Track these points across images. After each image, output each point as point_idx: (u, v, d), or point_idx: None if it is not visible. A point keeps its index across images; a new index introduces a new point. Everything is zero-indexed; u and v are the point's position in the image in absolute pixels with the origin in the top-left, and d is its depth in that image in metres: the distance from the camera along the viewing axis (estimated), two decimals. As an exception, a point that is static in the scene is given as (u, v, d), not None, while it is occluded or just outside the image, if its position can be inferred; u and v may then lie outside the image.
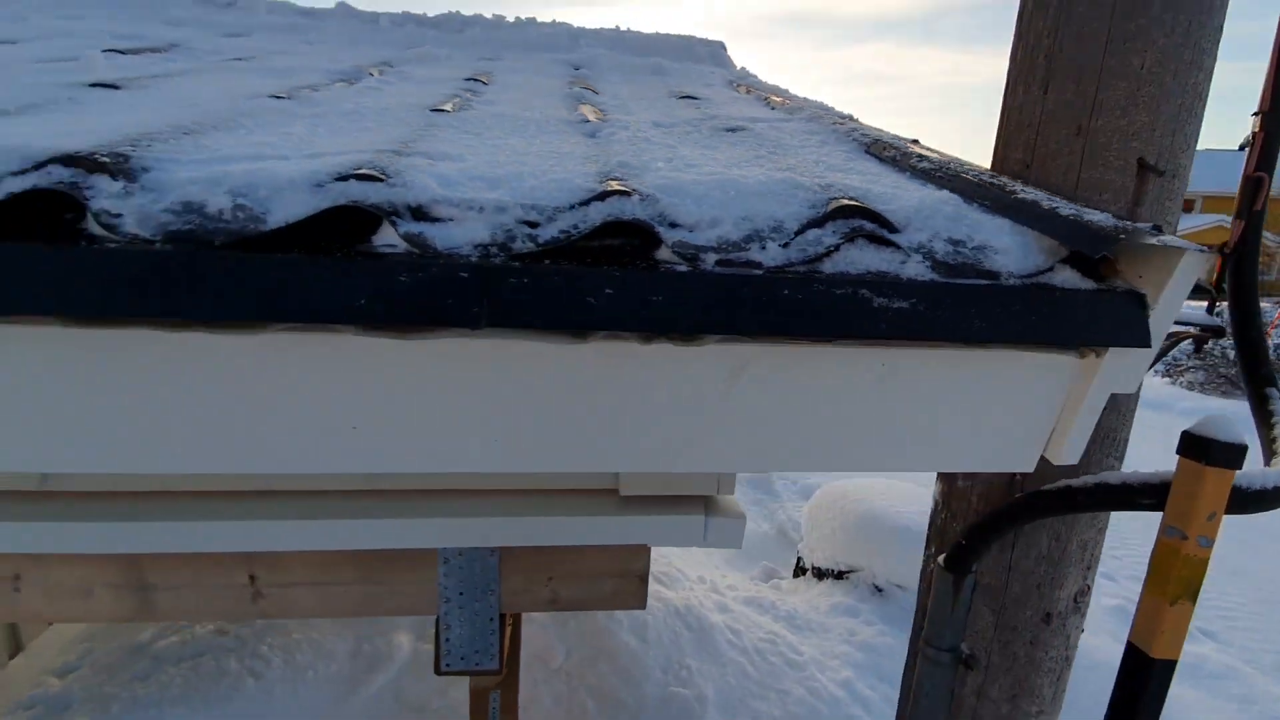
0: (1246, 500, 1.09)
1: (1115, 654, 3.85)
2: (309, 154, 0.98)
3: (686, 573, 4.42)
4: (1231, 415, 1.06)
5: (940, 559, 1.50)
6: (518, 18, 3.42)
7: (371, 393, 0.88)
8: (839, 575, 4.43)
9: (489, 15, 3.44)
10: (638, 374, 0.90)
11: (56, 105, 1.18)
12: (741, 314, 0.83)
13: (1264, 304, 1.60)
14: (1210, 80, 1.37)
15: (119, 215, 0.77)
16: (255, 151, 0.97)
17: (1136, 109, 1.27)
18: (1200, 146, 1.44)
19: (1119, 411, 1.39)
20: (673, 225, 0.89)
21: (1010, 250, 0.94)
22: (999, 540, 1.42)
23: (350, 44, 2.76)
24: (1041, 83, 1.33)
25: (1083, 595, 1.50)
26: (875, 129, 1.56)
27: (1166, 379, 11.23)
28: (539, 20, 3.45)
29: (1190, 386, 10.92)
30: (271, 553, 1.60)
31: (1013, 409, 1.00)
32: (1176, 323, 1.00)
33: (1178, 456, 1.11)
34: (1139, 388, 1.03)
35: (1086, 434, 1.02)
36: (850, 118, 1.76)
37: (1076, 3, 1.30)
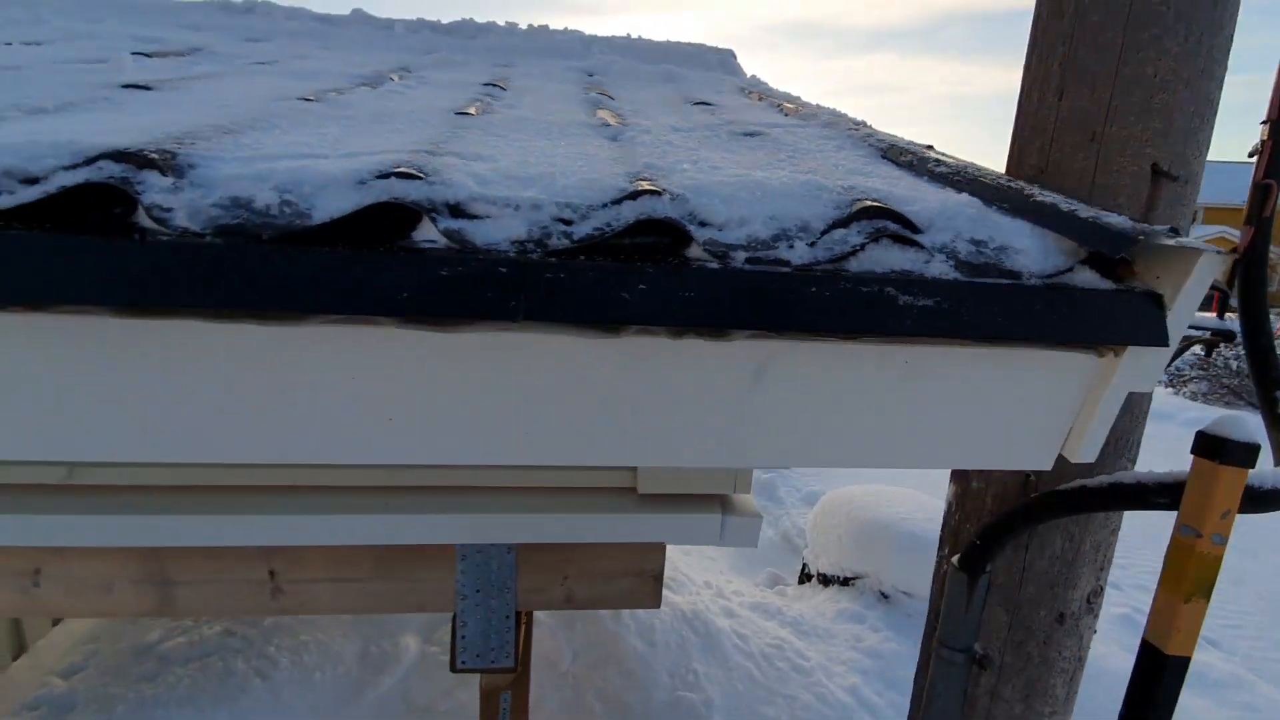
0: (1259, 499, 1.11)
1: (1122, 662, 3.86)
2: (346, 153, 1.01)
3: (693, 578, 4.43)
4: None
5: (954, 559, 1.51)
6: (530, 25, 3.46)
7: (408, 385, 0.90)
8: (845, 582, 4.43)
9: (502, 23, 3.48)
10: (667, 369, 0.92)
11: (94, 105, 1.21)
12: (770, 310, 0.85)
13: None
14: (1221, 89, 1.39)
15: (170, 209, 0.80)
16: (294, 150, 1.00)
17: (1150, 116, 1.30)
18: (1203, 157, 1.46)
19: (1131, 414, 1.41)
20: (702, 224, 0.91)
21: (1031, 251, 0.96)
22: (1013, 541, 1.43)
23: (367, 49, 2.80)
24: (1056, 90, 1.35)
25: (1096, 596, 1.51)
26: (890, 135, 1.59)
27: (1170, 389, 11.24)
28: (551, 28, 3.49)
29: (1193, 397, 10.92)
30: (291, 548, 1.62)
31: (1032, 407, 1.02)
32: (1189, 328, 1.03)
33: (1192, 456, 1.13)
34: (1154, 388, 1.05)
35: (1104, 432, 1.04)
36: (864, 124, 1.79)
37: (1091, 12, 1.32)
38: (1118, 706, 1.25)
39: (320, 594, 1.66)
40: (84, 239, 0.76)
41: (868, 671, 3.62)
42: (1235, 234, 0.94)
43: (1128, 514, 1.50)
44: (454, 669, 1.76)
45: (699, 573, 4.62)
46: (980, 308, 0.89)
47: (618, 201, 0.91)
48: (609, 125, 1.54)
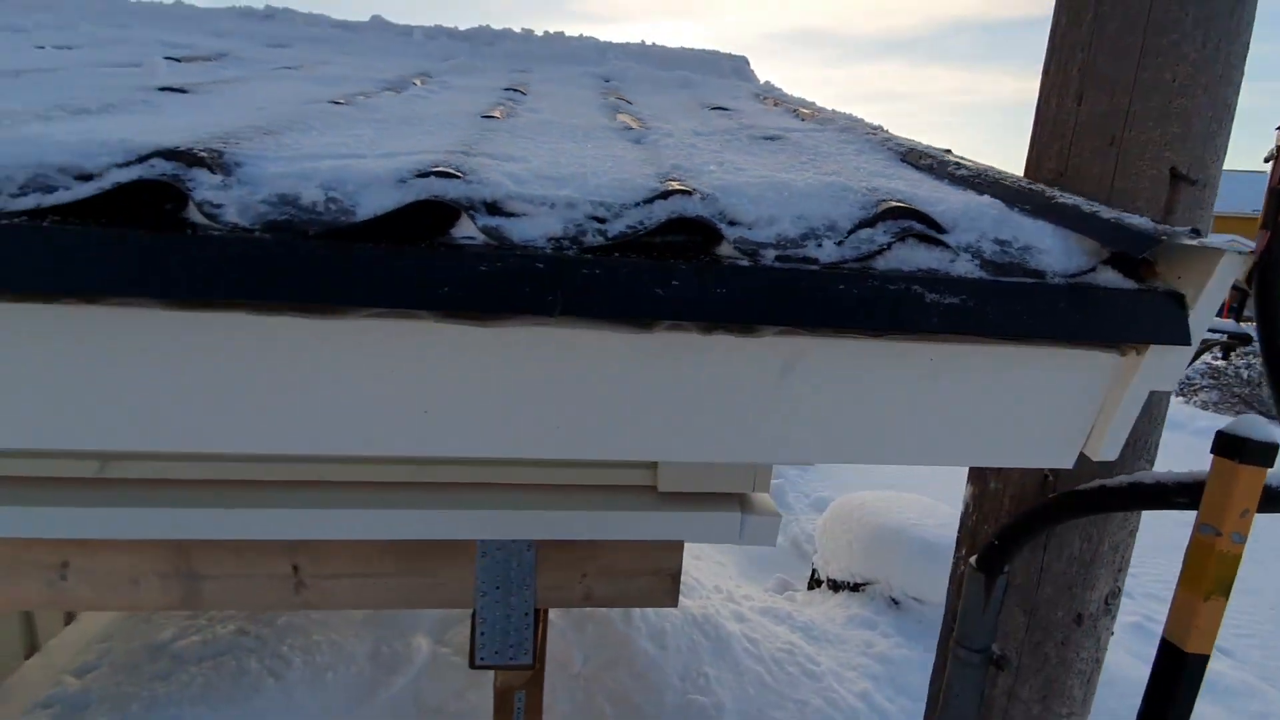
0: (1277, 498, 1.12)
1: (1134, 669, 3.85)
2: (383, 153, 1.04)
3: (703, 582, 4.43)
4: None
5: (972, 560, 1.52)
6: (546, 31, 3.51)
7: (445, 378, 0.92)
8: (855, 588, 4.42)
9: (518, 29, 3.53)
10: (698, 364, 0.94)
11: (133, 106, 1.24)
12: (800, 307, 0.87)
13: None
14: (1238, 95, 1.41)
15: (220, 205, 0.82)
16: (333, 150, 1.03)
17: (1169, 120, 1.32)
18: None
19: (1150, 416, 1.42)
20: (732, 223, 0.94)
21: (1054, 251, 0.98)
22: (1031, 541, 1.44)
23: (386, 55, 2.84)
24: (1075, 95, 1.37)
25: (1114, 597, 1.52)
26: (908, 139, 1.61)
27: (1181, 398, 11.18)
28: (566, 34, 3.53)
29: (1205, 406, 10.87)
30: (315, 544, 1.64)
31: (1054, 405, 1.04)
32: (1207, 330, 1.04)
33: (1212, 455, 1.14)
34: (1175, 386, 1.06)
35: (1126, 431, 1.05)
36: (881, 128, 1.81)
37: (1110, 19, 1.34)
38: (1130, 712, 1.26)
39: (342, 589, 1.68)
40: (139, 233, 0.79)
41: (879, 677, 3.62)
42: (1247, 243, 0.96)
43: (1140, 524, 1.51)
44: (473, 665, 1.78)
45: (709, 577, 4.62)
46: (1005, 306, 0.90)
47: (649, 201, 0.93)
48: (631, 129, 1.57)
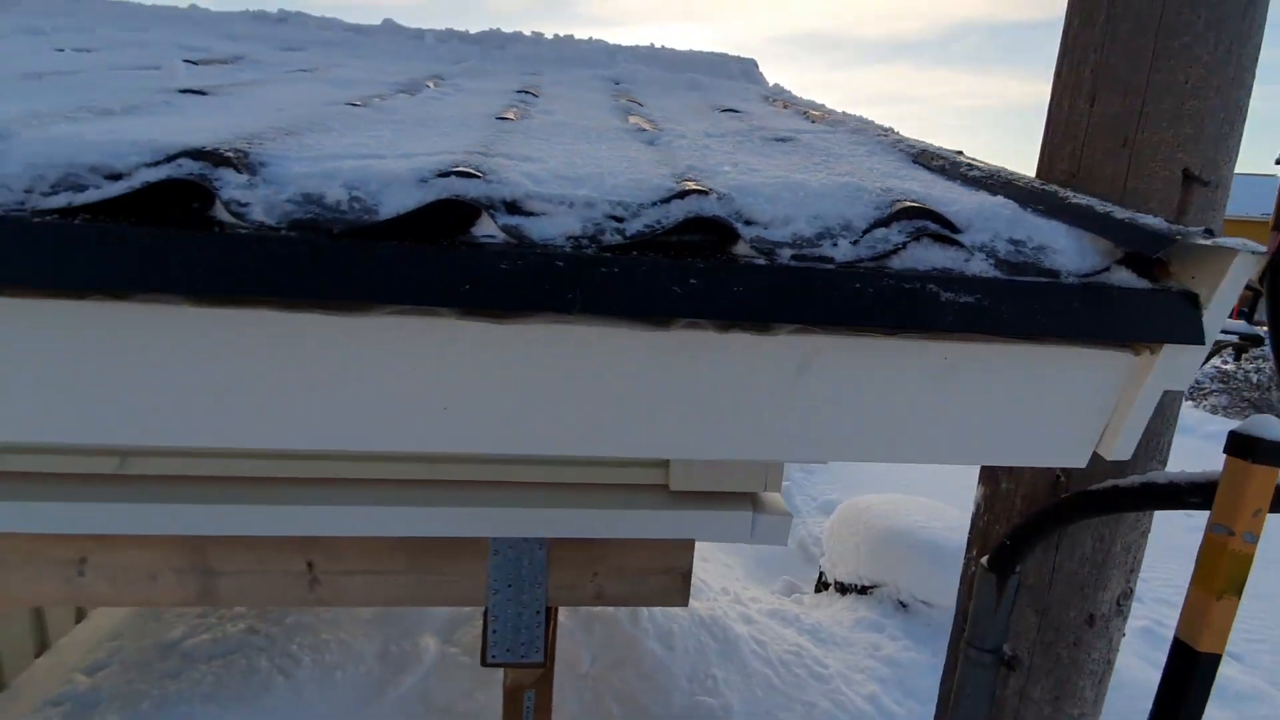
0: (1292, 498, 1.12)
1: (1143, 673, 3.83)
2: (402, 154, 1.05)
3: (710, 584, 4.43)
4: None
5: (984, 560, 1.53)
6: (556, 35, 3.53)
7: (465, 374, 0.94)
8: (862, 590, 4.42)
9: (528, 33, 3.55)
10: (714, 361, 0.95)
11: (156, 108, 1.26)
12: (816, 305, 0.88)
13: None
14: (1249, 97, 1.41)
15: (247, 204, 0.84)
16: (354, 151, 1.04)
17: (1182, 122, 1.32)
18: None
19: (1162, 417, 1.42)
20: (748, 222, 0.95)
21: (1068, 251, 0.99)
22: (1043, 541, 1.44)
23: (398, 58, 2.87)
24: (1088, 96, 1.38)
25: (1125, 598, 1.52)
26: (920, 141, 1.62)
27: (1190, 402, 11.11)
28: (576, 38, 3.55)
29: (1214, 410, 10.80)
30: (329, 541, 1.66)
31: (1068, 404, 1.04)
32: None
33: (1225, 455, 1.14)
34: (1189, 386, 1.06)
35: (1139, 430, 1.06)
36: (891, 130, 1.82)
37: (1122, 21, 1.35)
38: (1140, 716, 1.26)
39: (356, 586, 1.69)
40: (168, 231, 0.80)
41: (886, 680, 3.61)
42: (1259, 246, 0.96)
43: (1150, 528, 1.51)
44: (484, 663, 1.79)
45: (716, 579, 4.62)
46: (1020, 305, 0.91)
47: (666, 200, 0.94)
48: (645, 130, 1.58)
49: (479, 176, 0.92)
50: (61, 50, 1.94)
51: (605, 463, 1.60)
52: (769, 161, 1.30)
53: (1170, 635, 1.20)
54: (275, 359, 0.90)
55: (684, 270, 0.87)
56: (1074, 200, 1.09)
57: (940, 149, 1.48)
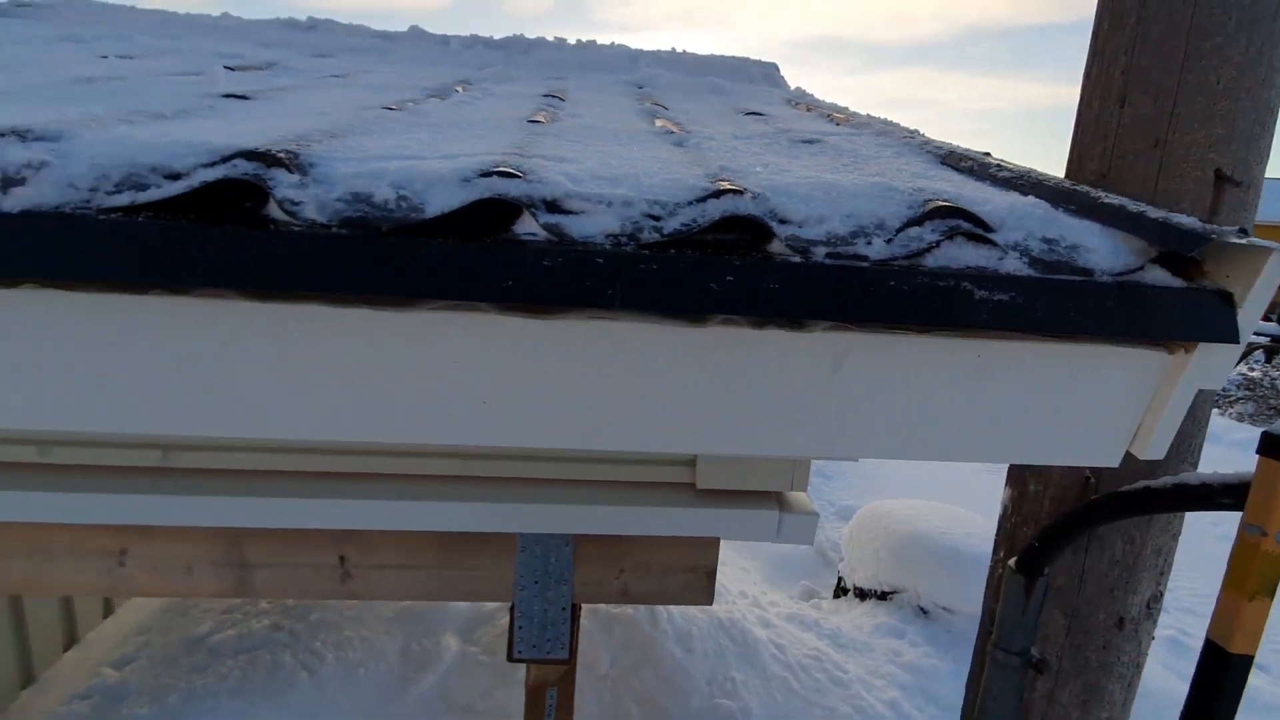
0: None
1: (1168, 682, 3.78)
2: (443, 155, 1.08)
3: (729, 587, 4.43)
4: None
5: (1011, 562, 1.52)
6: (579, 40, 3.57)
7: (504, 369, 0.96)
8: (882, 596, 4.39)
9: (550, 38, 3.59)
10: (750, 358, 0.96)
11: (204, 112, 1.30)
12: (851, 302, 0.89)
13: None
14: (1281, 97, 1.41)
15: (299, 203, 0.87)
16: (396, 152, 1.07)
17: (1213, 122, 1.32)
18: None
19: (1194, 418, 1.41)
20: (783, 221, 0.96)
21: (1101, 250, 0.99)
22: (1073, 543, 1.44)
23: (425, 63, 2.92)
24: (1118, 97, 1.38)
25: (1155, 601, 1.51)
26: (946, 143, 1.62)
27: (1216, 409, 10.92)
28: (598, 43, 3.59)
29: (1240, 418, 10.61)
30: (361, 535, 1.69)
31: (1101, 403, 1.05)
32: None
33: (1258, 456, 1.14)
34: (1223, 385, 1.06)
35: (1173, 429, 1.06)
36: (917, 132, 1.83)
37: (1153, 22, 1.35)
38: (1165, 725, 1.25)
39: (386, 580, 1.72)
40: (227, 229, 0.84)
41: (907, 686, 3.59)
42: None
43: (1179, 533, 1.50)
44: (510, 658, 1.81)
45: (734, 583, 4.62)
46: (1054, 303, 0.92)
47: (702, 200, 0.96)
48: (673, 133, 1.61)
49: (519, 176, 0.95)
50: (105, 57, 2.00)
51: (632, 460, 1.62)
52: (798, 163, 1.31)
53: (1196, 645, 1.20)
54: (324, 353, 0.92)
55: (721, 267, 0.89)
56: (1106, 200, 1.09)
57: (968, 150, 1.49)
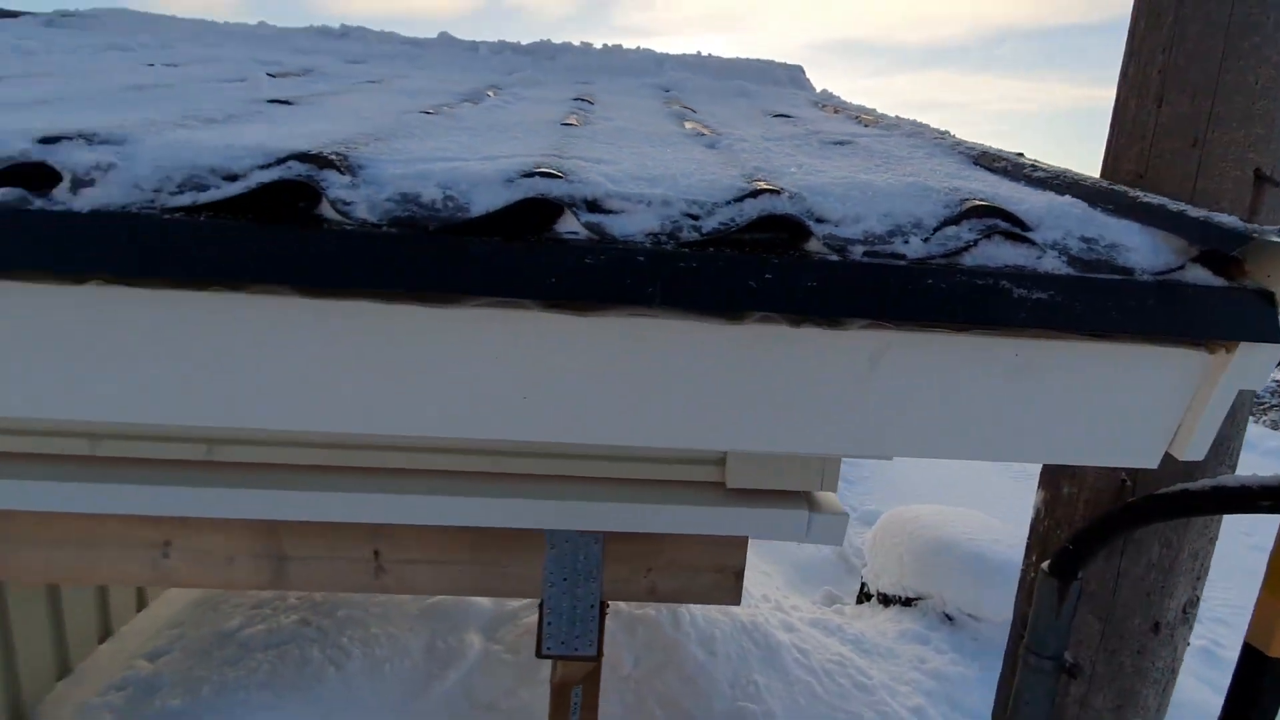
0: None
1: (1199, 694, 3.70)
2: (484, 157, 1.11)
3: (751, 591, 4.42)
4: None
5: (1045, 565, 1.51)
6: (605, 45, 3.60)
7: (544, 365, 0.98)
8: (906, 602, 4.35)
9: (576, 43, 3.63)
10: (787, 355, 0.98)
11: (252, 116, 1.34)
12: (889, 300, 0.90)
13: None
14: (1323, 96, 1.39)
15: (350, 203, 0.90)
16: (439, 154, 1.10)
17: (1252, 122, 1.31)
18: None
19: (1233, 420, 1.40)
20: (820, 220, 0.97)
21: (1141, 249, 0.99)
22: (1108, 546, 1.43)
23: (455, 69, 2.97)
24: (1155, 97, 1.37)
25: (1192, 606, 1.49)
26: (978, 143, 1.62)
27: (1249, 417, 10.67)
28: (624, 47, 3.62)
29: (1275, 425, 10.35)
30: (394, 530, 1.72)
31: (1140, 403, 1.04)
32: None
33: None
34: (1263, 385, 1.05)
35: (1213, 430, 1.05)
36: (948, 133, 1.82)
37: (1191, 22, 1.34)
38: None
39: (419, 574, 1.75)
40: (283, 227, 0.87)
41: (933, 693, 3.55)
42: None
43: (1215, 537, 1.48)
44: (539, 654, 1.83)
45: (756, 587, 4.60)
46: (1094, 302, 0.92)
47: (739, 199, 0.97)
48: (704, 135, 1.62)
49: (561, 177, 0.97)
50: (152, 65, 2.07)
51: (662, 459, 1.64)
52: (831, 163, 1.32)
53: (1229, 656, 1.19)
54: (372, 348, 0.95)
55: (760, 265, 0.90)
56: (1145, 199, 1.09)
57: (1001, 151, 1.49)
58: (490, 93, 2.22)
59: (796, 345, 0.97)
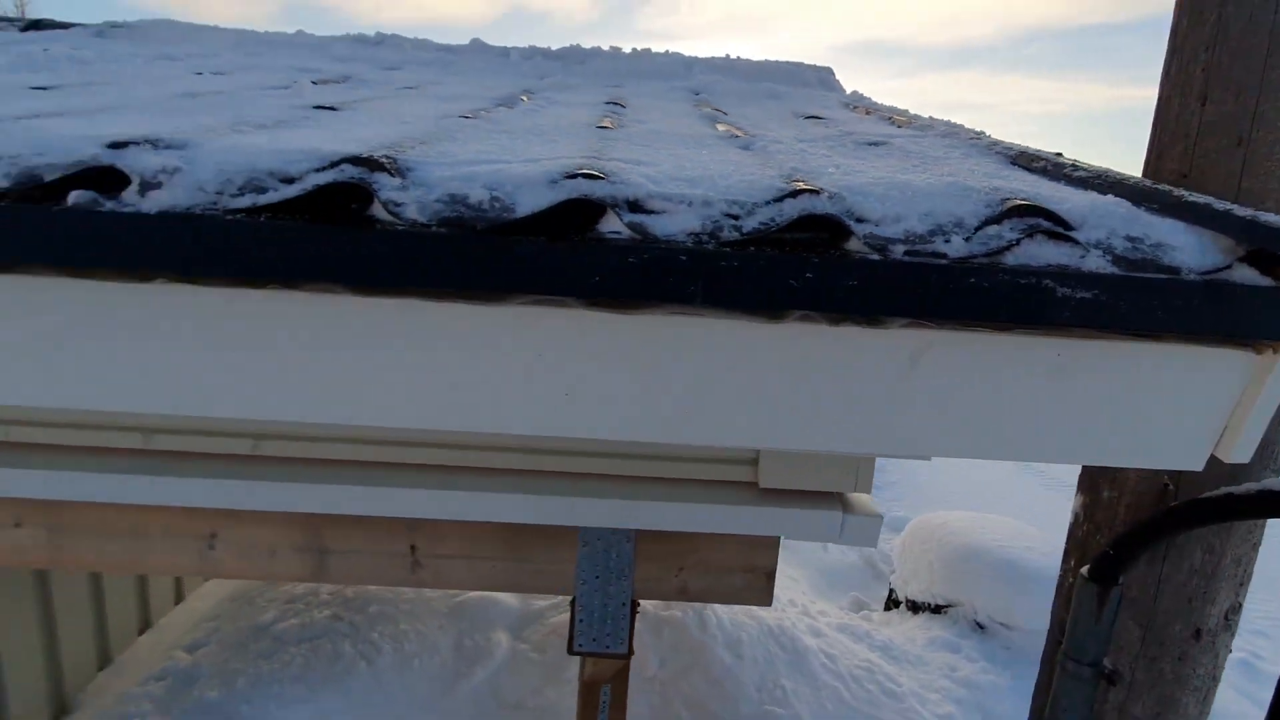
0: None
1: (1237, 706, 3.61)
2: (527, 159, 1.13)
3: (777, 595, 4.40)
4: None
5: (1084, 570, 1.49)
6: (634, 49, 3.63)
7: (587, 362, 1.00)
8: (936, 609, 4.30)
9: (605, 47, 3.67)
10: (827, 354, 0.98)
11: (300, 122, 1.39)
12: (930, 299, 0.91)
13: None
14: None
15: (401, 204, 0.93)
16: (482, 157, 1.13)
17: (1301, 120, 1.28)
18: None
19: (1279, 422, 1.37)
20: (860, 220, 0.98)
21: (1187, 248, 0.98)
22: (1149, 551, 1.41)
23: (488, 74, 3.02)
24: (1199, 95, 1.35)
25: (1234, 613, 1.46)
26: (1015, 143, 1.61)
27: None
28: (653, 51, 3.65)
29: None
30: (431, 526, 1.76)
31: (1185, 404, 1.03)
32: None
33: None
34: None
35: (1260, 432, 1.03)
36: (983, 134, 1.81)
37: (1234, 20, 1.32)
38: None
39: (454, 569, 1.79)
40: (338, 228, 0.90)
41: (964, 702, 3.50)
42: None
43: (1259, 542, 1.45)
44: (570, 651, 1.85)
45: (783, 591, 4.58)
46: (1139, 301, 0.91)
47: (779, 199, 0.99)
48: (738, 136, 1.63)
49: (603, 178, 0.99)
50: (200, 74, 2.14)
51: (695, 458, 1.65)
52: (867, 164, 1.32)
53: (1269, 669, 1.16)
54: (421, 344, 0.98)
55: (800, 264, 0.91)
56: (1190, 198, 1.08)
57: (1040, 151, 1.48)
58: (524, 97, 2.25)
59: (836, 344, 0.98)
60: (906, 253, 0.93)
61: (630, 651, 1.92)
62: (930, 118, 2.17)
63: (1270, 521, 1.36)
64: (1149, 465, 1.07)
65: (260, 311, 0.96)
